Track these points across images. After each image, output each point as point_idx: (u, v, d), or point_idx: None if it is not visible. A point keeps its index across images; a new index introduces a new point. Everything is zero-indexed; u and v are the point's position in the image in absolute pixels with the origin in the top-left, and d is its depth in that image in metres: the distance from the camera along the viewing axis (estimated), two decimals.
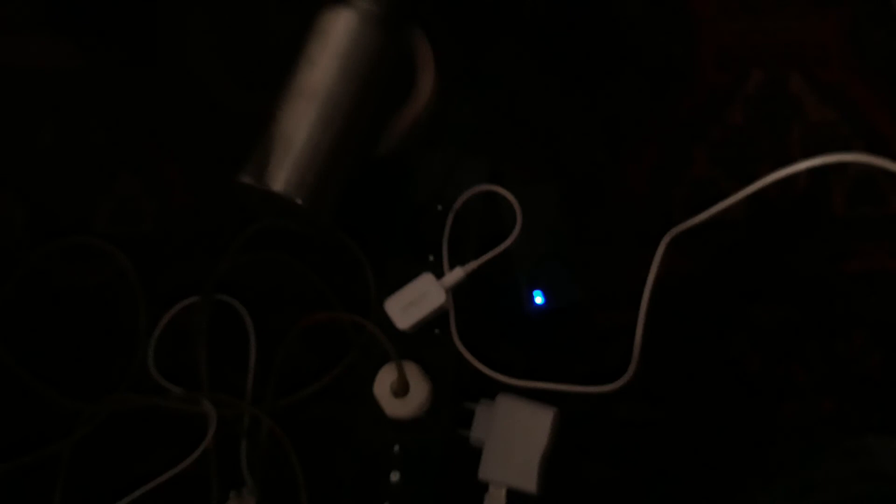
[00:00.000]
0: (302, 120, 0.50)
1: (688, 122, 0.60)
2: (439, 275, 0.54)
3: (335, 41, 0.51)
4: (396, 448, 0.53)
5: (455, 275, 0.53)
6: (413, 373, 0.51)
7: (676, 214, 0.57)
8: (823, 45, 0.61)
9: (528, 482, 0.50)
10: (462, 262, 0.55)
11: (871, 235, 0.57)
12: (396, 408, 0.52)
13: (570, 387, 0.52)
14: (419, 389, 0.51)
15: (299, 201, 0.50)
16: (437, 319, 0.55)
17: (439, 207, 0.57)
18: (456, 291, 0.54)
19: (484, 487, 0.52)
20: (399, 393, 0.51)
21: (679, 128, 0.60)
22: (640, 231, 0.57)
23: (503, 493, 0.51)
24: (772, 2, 0.62)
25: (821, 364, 0.55)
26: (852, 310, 0.55)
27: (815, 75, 0.60)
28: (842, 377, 0.55)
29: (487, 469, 0.51)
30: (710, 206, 0.58)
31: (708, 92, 0.61)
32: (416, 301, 0.52)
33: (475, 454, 0.52)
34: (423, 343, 0.55)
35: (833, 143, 0.59)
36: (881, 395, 0.54)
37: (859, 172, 0.58)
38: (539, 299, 0.55)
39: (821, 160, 0.49)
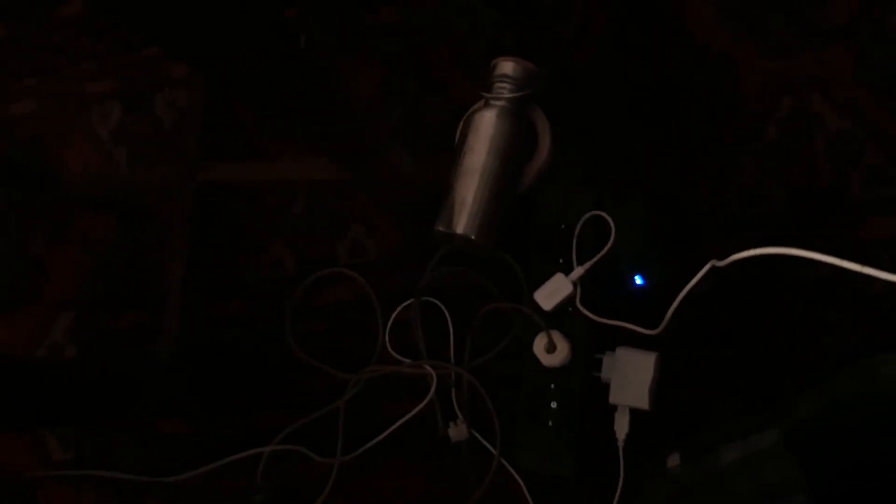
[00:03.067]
0: (469, 187, 0.70)
1: (736, 141, 0.73)
2: (567, 272, 0.70)
3: (483, 132, 0.71)
4: (552, 386, 0.69)
5: (577, 272, 0.69)
6: (557, 337, 0.68)
7: (732, 212, 0.72)
8: (837, 70, 0.72)
9: (643, 402, 0.67)
10: (582, 263, 0.70)
11: (881, 211, 0.69)
12: (549, 360, 0.68)
13: (638, 328, 0.68)
14: (562, 347, 0.68)
15: (473, 237, 0.70)
16: (570, 302, 0.70)
17: (563, 226, 0.71)
18: (581, 282, 0.70)
19: (613, 408, 0.68)
20: (550, 350, 0.68)
21: (730, 146, 0.73)
22: (707, 226, 0.72)
23: (627, 410, 0.68)
24: (795, 42, 0.73)
25: (850, 308, 0.68)
26: (870, 265, 0.68)
27: (831, 95, 0.71)
28: (866, 316, 0.68)
29: (615, 396, 0.67)
30: (760, 203, 0.72)
31: (750, 117, 0.73)
32: (553, 292, 0.69)
33: (605, 387, 0.68)
34: (562, 318, 0.70)
35: (850, 144, 0.71)
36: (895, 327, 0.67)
37: (871, 165, 0.71)
38: (639, 280, 0.70)
39: (751, 253, 0.62)
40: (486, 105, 0.73)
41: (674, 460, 0.64)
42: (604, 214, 0.71)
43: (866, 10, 0.73)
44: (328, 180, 0.83)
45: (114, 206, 0.89)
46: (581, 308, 0.70)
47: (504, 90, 0.72)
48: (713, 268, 0.65)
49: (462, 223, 0.70)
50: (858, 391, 0.59)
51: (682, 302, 0.68)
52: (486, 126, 0.71)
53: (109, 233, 0.88)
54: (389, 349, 0.77)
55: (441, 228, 0.71)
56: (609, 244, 0.70)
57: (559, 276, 0.70)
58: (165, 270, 0.84)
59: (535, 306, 0.71)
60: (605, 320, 0.70)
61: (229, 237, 0.85)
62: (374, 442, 0.75)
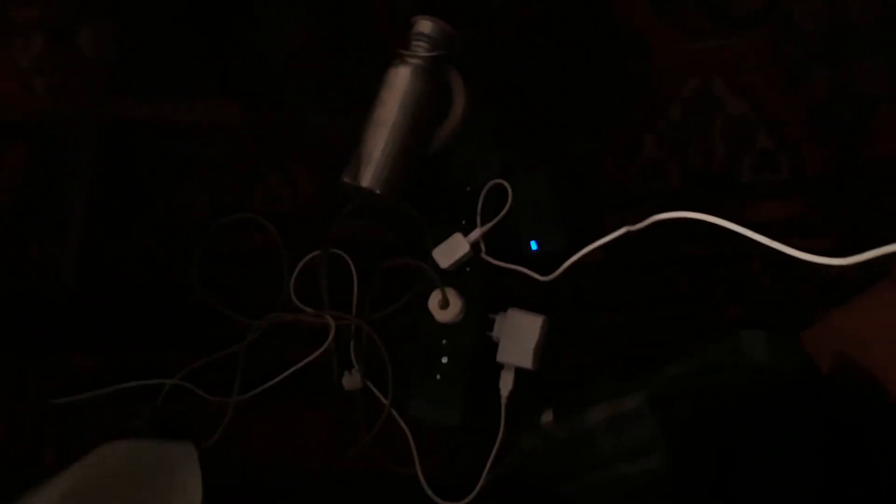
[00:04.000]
0: (378, 141, 0.70)
1: (642, 118, 0.75)
2: (468, 234, 0.72)
3: (396, 87, 0.71)
4: (444, 341, 0.71)
5: (475, 234, 0.71)
6: (452, 294, 0.70)
7: (631, 187, 0.73)
8: (741, 57, 0.74)
9: (527, 362, 0.69)
10: (482, 226, 0.72)
11: (765, 194, 0.71)
12: (442, 316, 0.70)
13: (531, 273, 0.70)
14: (455, 304, 0.70)
15: (378, 191, 0.70)
16: (469, 262, 0.72)
17: (468, 189, 0.73)
18: (483, 243, 0.72)
19: (501, 366, 0.71)
20: (443, 306, 0.70)
21: (635, 123, 0.75)
22: (608, 197, 0.74)
23: (512, 369, 0.70)
24: (705, 28, 0.75)
25: (729, 283, 0.71)
26: (752, 245, 0.70)
27: (733, 80, 0.74)
28: (744, 292, 0.71)
29: (502, 355, 0.70)
30: (658, 179, 0.75)
31: (657, 96, 0.75)
32: (451, 250, 0.70)
33: (495, 346, 0.70)
34: (461, 277, 0.72)
35: (744, 129, 0.73)
36: (769, 305, 0.70)
37: (762, 149, 0.73)
38: (533, 246, 0.72)
39: (670, 215, 0.64)
40: (402, 61, 0.73)
41: (547, 417, 0.66)
42: (503, 182, 0.72)
43: (775, 2, 0.75)
44: (247, 125, 0.83)
45: (28, 135, 0.87)
46: (484, 256, 0.72)
47: (421, 48, 0.73)
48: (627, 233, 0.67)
49: (367, 176, 0.71)
50: (722, 363, 0.62)
51: (575, 272, 0.71)
52: (399, 82, 0.71)
53: (22, 162, 0.86)
54: (293, 297, 0.78)
55: (347, 180, 0.71)
56: (504, 210, 0.72)
57: (457, 236, 0.72)
58: (72, 203, 0.83)
59: (435, 264, 0.72)
60: (502, 263, 0.71)
61: (145, 175, 0.85)
62: (269, 384, 0.76)
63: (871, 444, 0.58)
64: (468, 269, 0.73)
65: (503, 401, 0.71)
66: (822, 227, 0.67)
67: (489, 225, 0.72)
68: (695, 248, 0.72)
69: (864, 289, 0.65)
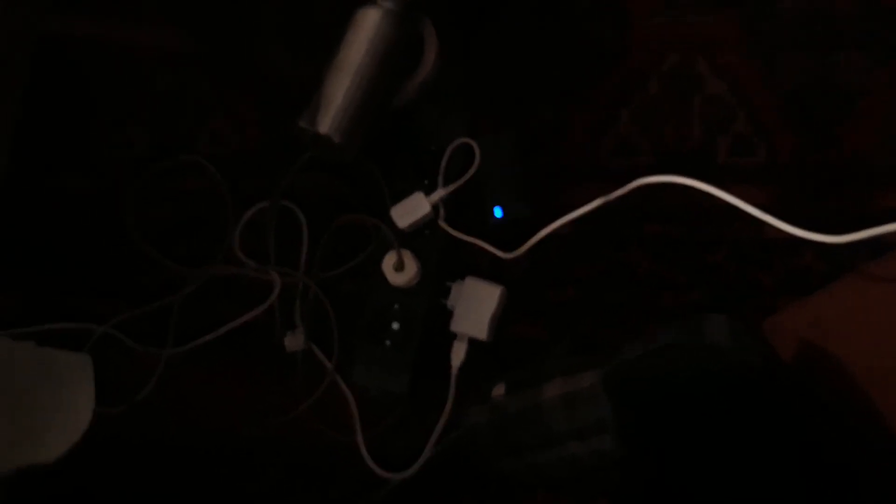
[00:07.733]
0: (340, 85, 0.66)
1: (618, 90, 0.73)
2: (430, 194, 0.69)
3: (365, 30, 0.67)
4: (396, 306, 0.68)
5: (438, 193, 0.68)
6: (408, 256, 0.67)
7: (604, 159, 0.72)
8: (722, 35, 0.72)
9: (482, 333, 0.67)
10: (446, 187, 0.69)
11: (740, 178, 0.70)
12: (396, 279, 0.67)
13: (493, 249, 0.69)
14: (410, 267, 0.67)
15: (337, 140, 0.67)
16: (428, 225, 0.70)
17: (433, 148, 0.70)
18: (442, 206, 0.70)
19: (453, 336, 0.68)
20: (398, 269, 0.67)
21: (610, 94, 0.73)
22: (576, 169, 0.72)
23: (466, 339, 0.68)
24: (687, 2, 0.73)
25: (693, 267, 0.70)
26: (719, 230, 0.70)
27: (713, 59, 0.72)
28: (707, 277, 0.70)
29: (456, 324, 0.67)
30: (630, 155, 0.73)
31: (635, 68, 0.73)
32: (411, 210, 0.68)
33: (449, 315, 0.68)
34: (419, 239, 0.69)
35: (722, 110, 0.72)
36: (732, 289, 0.70)
37: (739, 132, 0.72)
38: (497, 213, 0.69)
39: (645, 181, 0.64)
40: (373, 3, 0.69)
41: (498, 390, 0.64)
42: (471, 142, 0.70)
43: None
44: (198, 58, 0.79)
45: None
46: (442, 224, 0.70)
47: None
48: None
49: (326, 122, 0.67)
50: (682, 345, 0.60)
51: (538, 243, 0.69)
52: (368, 24, 0.68)
53: None
54: (237, 250, 0.75)
55: (303, 125, 0.67)
56: (471, 171, 0.69)
57: (418, 195, 0.69)
58: None
59: (392, 223, 0.69)
60: (462, 236, 0.69)
61: (82, 104, 0.79)
62: (204, 339, 0.72)
63: (826, 435, 0.58)
64: (427, 231, 0.71)
65: (454, 371, 0.69)
66: (793, 216, 0.66)
67: (453, 186, 0.70)
68: (662, 230, 0.71)
69: (828, 282, 0.65)
